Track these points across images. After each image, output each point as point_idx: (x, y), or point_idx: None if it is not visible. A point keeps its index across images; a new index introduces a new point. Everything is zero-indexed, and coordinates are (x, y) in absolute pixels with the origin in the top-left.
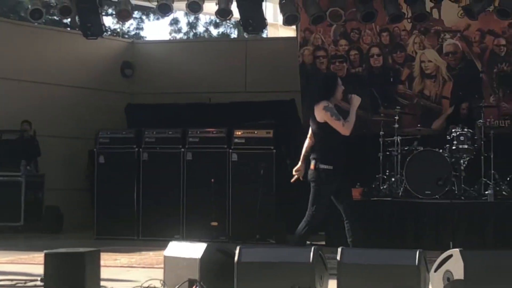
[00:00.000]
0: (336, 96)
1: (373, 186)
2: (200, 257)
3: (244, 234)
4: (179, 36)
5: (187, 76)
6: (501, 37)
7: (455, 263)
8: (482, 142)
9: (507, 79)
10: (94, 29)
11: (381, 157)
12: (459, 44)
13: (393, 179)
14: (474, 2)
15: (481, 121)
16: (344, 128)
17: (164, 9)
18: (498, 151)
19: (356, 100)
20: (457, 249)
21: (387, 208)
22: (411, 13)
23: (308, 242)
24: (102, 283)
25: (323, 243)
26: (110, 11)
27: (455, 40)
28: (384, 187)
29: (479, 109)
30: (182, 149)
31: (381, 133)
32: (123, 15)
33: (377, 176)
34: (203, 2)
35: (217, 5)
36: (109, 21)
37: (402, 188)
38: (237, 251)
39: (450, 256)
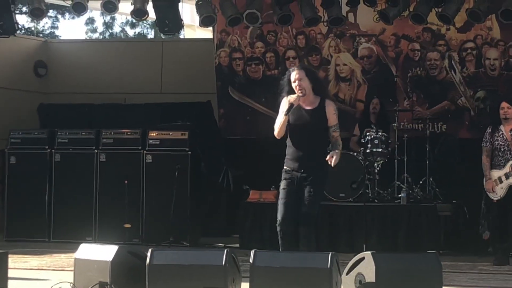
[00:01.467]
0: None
1: None
2: (111, 260)
3: (158, 236)
4: (95, 36)
5: (102, 76)
6: (415, 41)
7: (367, 266)
8: (396, 146)
9: (420, 83)
10: (6, 27)
11: None
12: (374, 48)
13: None
14: (389, 7)
15: (395, 124)
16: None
17: (78, 8)
18: (411, 154)
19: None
20: (369, 252)
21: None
22: (327, 16)
23: (221, 245)
24: (11, 285)
25: (237, 245)
26: (24, 9)
27: (370, 44)
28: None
29: (393, 113)
30: (96, 150)
31: None
32: (36, 14)
33: None
34: (119, 2)
35: (133, 5)
36: (23, 20)
37: None
38: (148, 254)
39: (362, 259)
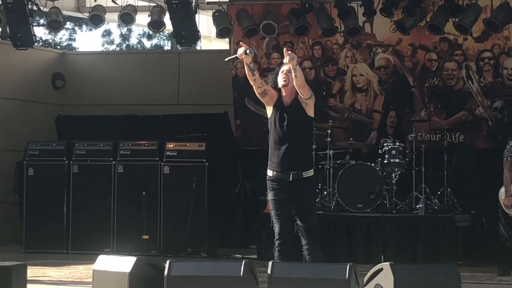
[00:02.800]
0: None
1: None
2: (129, 271)
3: (176, 248)
4: (111, 47)
5: (119, 88)
6: (432, 51)
7: (385, 277)
8: (414, 156)
9: (438, 93)
10: (24, 40)
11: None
12: (391, 58)
13: (325, 193)
14: (406, 17)
15: (413, 135)
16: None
17: (96, 20)
18: (428, 165)
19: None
20: (387, 263)
21: (319, 221)
22: (343, 27)
23: (239, 256)
24: None
25: (255, 256)
26: (41, 21)
27: (387, 55)
28: (316, 200)
29: (410, 123)
30: (113, 162)
31: (314, 146)
32: (54, 26)
33: None
34: (136, 14)
35: (150, 17)
36: (40, 32)
37: (334, 202)
38: (167, 265)
39: (380, 270)
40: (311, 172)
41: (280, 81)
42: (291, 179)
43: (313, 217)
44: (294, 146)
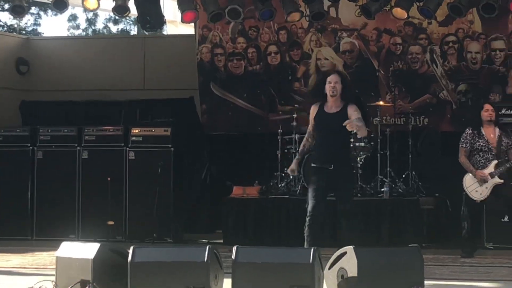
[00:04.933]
0: (327, 94)
1: (271, 184)
2: (92, 258)
3: (141, 233)
4: (77, 32)
5: (85, 73)
6: (397, 35)
7: (349, 261)
8: (379, 140)
9: (402, 77)
10: None
11: (279, 155)
12: (356, 42)
13: (291, 177)
14: (371, 2)
15: (377, 119)
16: None
17: (59, 5)
18: (393, 148)
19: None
20: (351, 247)
21: (285, 205)
22: (309, 11)
23: (205, 241)
24: None
25: (221, 241)
26: (6, 6)
27: (352, 39)
28: (282, 185)
29: (375, 107)
30: (78, 147)
31: (280, 131)
32: (18, 11)
33: (275, 174)
34: None
35: (114, 2)
36: (5, 17)
37: (299, 186)
38: (130, 251)
39: (344, 254)
40: (347, 167)
41: (330, 93)
42: (331, 171)
43: (350, 201)
44: (335, 147)
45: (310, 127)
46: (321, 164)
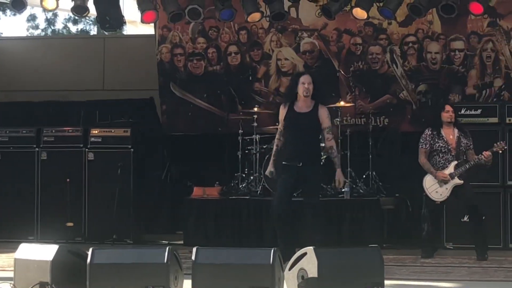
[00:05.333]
0: (299, 94)
1: (232, 184)
2: (51, 259)
3: (101, 235)
4: (36, 32)
5: (43, 73)
6: (357, 36)
7: (309, 261)
8: (339, 140)
9: (362, 77)
10: None
11: (240, 156)
12: (316, 43)
13: (251, 178)
14: (331, 2)
15: (338, 119)
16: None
17: (18, 5)
18: (354, 149)
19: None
20: (311, 247)
21: (245, 206)
22: (269, 11)
23: (165, 242)
24: None
25: (181, 242)
26: None
27: (313, 39)
28: (243, 185)
29: (335, 108)
30: (37, 148)
31: (240, 131)
32: None
33: (236, 174)
34: None
35: (73, 2)
36: None
37: (260, 187)
38: (89, 253)
39: (304, 254)
40: (317, 163)
41: (303, 93)
42: (300, 168)
43: (317, 196)
44: (304, 145)
45: (280, 127)
46: (291, 162)
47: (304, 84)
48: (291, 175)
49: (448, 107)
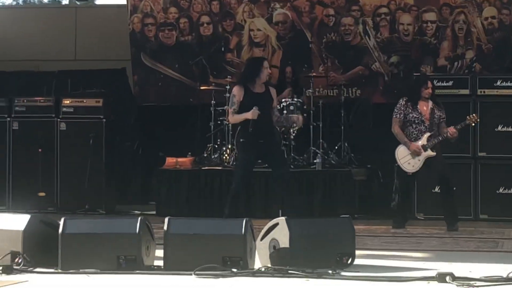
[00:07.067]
0: (261, 78)
1: (204, 155)
2: (23, 229)
3: (73, 205)
4: (8, 1)
5: (14, 43)
6: (330, 7)
7: (281, 232)
8: (311, 112)
9: (335, 49)
10: None
11: (212, 127)
12: (289, 13)
13: (224, 148)
14: None
15: (310, 90)
16: (229, 116)
17: None
18: (326, 120)
19: (251, 114)
20: (283, 218)
21: (218, 177)
22: None
23: (137, 212)
24: None
25: (154, 212)
26: None
27: (285, 10)
28: (215, 156)
29: (308, 79)
30: (8, 118)
31: (213, 102)
32: None
33: (208, 145)
34: None
35: None
36: None
37: (233, 157)
38: (61, 223)
39: (276, 225)
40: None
41: (266, 78)
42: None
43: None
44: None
45: (236, 107)
46: (252, 140)
47: (267, 69)
48: (253, 152)
49: (430, 84)
